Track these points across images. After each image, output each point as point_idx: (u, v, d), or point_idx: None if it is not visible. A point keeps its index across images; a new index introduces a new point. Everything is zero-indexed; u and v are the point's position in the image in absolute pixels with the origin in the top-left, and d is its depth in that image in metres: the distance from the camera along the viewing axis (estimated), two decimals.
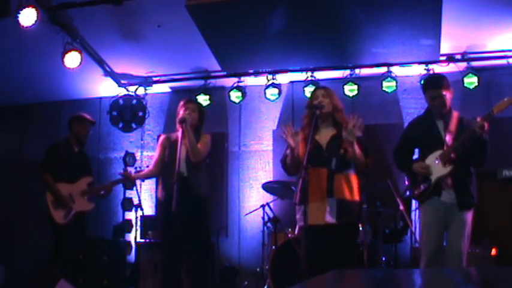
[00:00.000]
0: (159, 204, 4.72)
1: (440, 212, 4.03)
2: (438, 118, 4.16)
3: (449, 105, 4.15)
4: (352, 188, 3.94)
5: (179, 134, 4.53)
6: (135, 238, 6.69)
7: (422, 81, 4.30)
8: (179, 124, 4.57)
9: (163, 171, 4.70)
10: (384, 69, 6.50)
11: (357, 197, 3.96)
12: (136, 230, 6.76)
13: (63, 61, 5.79)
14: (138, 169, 6.27)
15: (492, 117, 3.88)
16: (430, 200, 4.05)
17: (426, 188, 4.05)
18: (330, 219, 3.85)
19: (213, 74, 7.03)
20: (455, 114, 4.17)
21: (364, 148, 3.98)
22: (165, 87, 7.50)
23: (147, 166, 6.29)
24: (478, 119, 3.89)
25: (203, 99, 6.92)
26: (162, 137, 4.86)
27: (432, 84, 4.21)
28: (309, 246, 3.93)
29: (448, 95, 4.12)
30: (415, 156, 4.34)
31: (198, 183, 4.59)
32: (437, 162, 4.02)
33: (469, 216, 4.01)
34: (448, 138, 4.07)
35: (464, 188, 4.02)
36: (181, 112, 4.68)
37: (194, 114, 4.71)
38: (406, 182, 4.33)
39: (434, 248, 4.02)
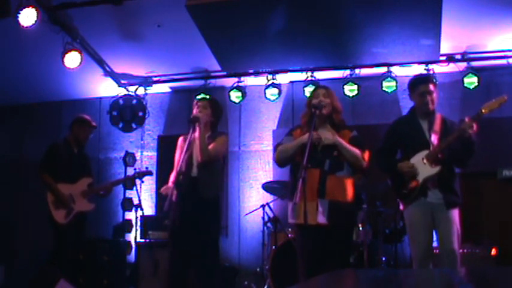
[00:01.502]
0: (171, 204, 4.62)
1: (427, 213, 4.02)
2: (422, 118, 4.17)
3: (435, 105, 4.16)
4: (345, 190, 3.94)
5: (195, 133, 4.48)
6: (135, 238, 6.69)
7: (409, 83, 4.29)
8: (191, 123, 4.52)
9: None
10: (384, 69, 6.50)
11: (350, 199, 3.96)
12: (136, 230, 6.76)
13: (63, 61, 5.79)
14: (138, 170, 6.25)
15: (481, 117, 3.88)
16: (417, 201, 4.03)
17: (413, 188, 4.02)
18: (321, 220, 3.85)
19: (213, 74, 7.03)
20: (438, 115, 4.18)
21: (359, 144, 4.00)
22: (165, 87, 7.50)
23: (147, 167, 6.28)
24: (467, 120, 3.89)
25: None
26: (180, 139, 4.75)
27: (421, 80, 4.27)
28: (302, 245, 3.97)
29: (435, 93, 4.14)
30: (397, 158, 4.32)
31: (206, 184, 4.47)
32: (424, 162, 4.00)
33: (456, 214, 4.00)
34: (433, 138, 4.07)
35: (449, 187, 4.02)
36: (194, 111, 4.63)
37: (206, 111, 4.60)
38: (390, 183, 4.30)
39: (424, 250, 4.02)
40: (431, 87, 4.13)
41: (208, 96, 6.60)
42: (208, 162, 4.48)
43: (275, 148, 4.23)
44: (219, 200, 4.66)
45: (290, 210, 4.02)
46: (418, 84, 4.19)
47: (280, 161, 4.17)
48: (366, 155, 4.02)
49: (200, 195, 4.43)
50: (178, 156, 4.61)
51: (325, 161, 3.93)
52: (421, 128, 4.14)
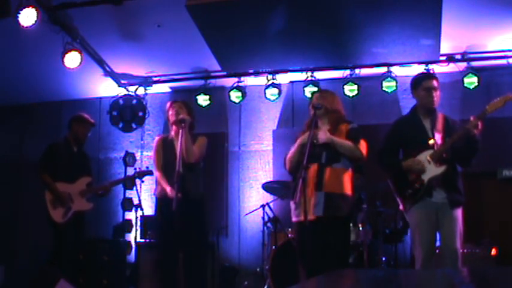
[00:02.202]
0: (158, 203, 4.69)
1: (431, 213, 4.00)
2: (425, 117, 4.15)
3: (438, 103, 4.16)
4: (342, 182, 3.98)
5: (176, 134, 4.51)
6: (135, 238, 6.68)
7: (413, 79, 4.28)
8: (177, 125, 4.57)
9: (164, 172, 4.69)
10: (384, 69, 6.50)
11: (347, 191, 3.99)
12: (136, 230, 6.76)
13: (63, 61, 5.78)
14: (138, 169, 6.25)
15: (486, 116, 3.87)
16: (421, 202, 4.01)
17: (418, 188, 4.01)
18: (316, 212, 3.88)
19: (213, 74, 7.02)
20: (440, 115, 4.18)
21: (354, 136, 4.05)
22: (165, 87, 7.50)
23: (147, 167, 6.28)
24: (472, 119, 3.88)
25: (203, 99, 6.94)
26: (156, 139, 4.83)
27: (427, 75, 4.28)
28: (300, 242, 4.00)
29: (439, 89, 4.14)
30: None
31: (193, 183, 4.56)
32: (429, 162, 3.99)
33: (459, 213, 4.00)
34: (437, 138, 4.05)
35: (453, 186, 4.01)
36: (170, 113, 4.70)
37: (182, 110, 4.67)
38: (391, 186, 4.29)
39: (428, 250, 4.00)
40: (436, 83, 4.13)
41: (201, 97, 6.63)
42: (193, 163, 4.56)
43: (285, 160, 4.26)
44: (206, 199, 4.75)
45: (293, 209, 4.06)
46: (423, 80, 4.17)
47: (291, 170, 4.20)
48: (362, 145, 4.06)
49: (187, 196, 4.45)
50: (157, 157, 4.66)
51: (322, 154, 3.98)
52: (424, 127, 4.12)
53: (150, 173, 6.05)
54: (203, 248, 4.64)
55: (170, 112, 4.71)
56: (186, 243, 4.49)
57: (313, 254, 3.87)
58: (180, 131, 4.45)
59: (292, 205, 4.07)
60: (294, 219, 4.07)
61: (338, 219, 3.94)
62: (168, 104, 4.79)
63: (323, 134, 4.01)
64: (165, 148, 4.72)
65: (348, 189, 4.00)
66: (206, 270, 4.65)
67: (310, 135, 3.90)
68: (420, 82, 4.17)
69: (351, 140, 4.03)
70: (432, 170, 3.98)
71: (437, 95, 4.12)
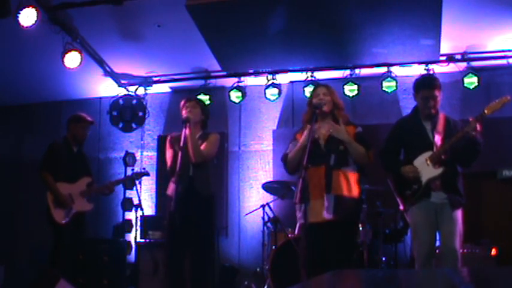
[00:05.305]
0: (167, 202, 4.63)
1: (431, 213, 4.01)
2: (426, 119, 4.15)
3: (438, 108, 4.15)
4: (350, 185, 3.95)
5: (184, 133, 4.49)
6: (135, 238, 6.69)
7: (415, 82, 4.26)
8: (183, 124, 4.53)
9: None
10: (384, 69, 6.50)
11: (355, 194, 3.97)
12: (136, 230, 6.76)
13: (63, 61, 5.79)
14: (135, 170, 6.25)
15: (484, 118, 3.87)
16: (420, 202, 4.02)
17: (416, 190, 4.02)
18: (327, 215, 3.87)
19: (213, 74, 7.03)
20: (441, 115, 4.17)
21: (364, 142, 4.03)
22: (165, 87, 7.50)
23: (144, 168, 6.28)
24: (470, 120, 3.89)
25: (203, 99, 6.93)
26: (168, 138, 4.76)
27: (425, 84, 4.20)
28: (309, 244, 3.96)
29: (439, 96, 4.13)
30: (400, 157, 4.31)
31: (201, 183, 4.53)
32: (427, 163, 3.99)
33: (459, 214, 4.01)
34: (437, 139, 4.05)
35: (453, 187, 4.02)
36: (183, 112, 4.64)
37: (196, 110, 4.63)
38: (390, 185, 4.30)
39: (427, 250, 4.02)
40: (435, 92, 4.10)
41: (202, 97, 6.64)
42: (202, 162, 4.51)
43: (283, 159, 4.22)
44: (215, 197, 4.73)
45: (298, 209, 4.05)
46: (423, 88, 4.14)
47: (291, 170, 4.18)
48: (371, 153, 4.04)
49: (197, 194, 4.45)
50: (170, 155, 4.63)
51: (330, 156, 3.95)
52: (424, 129, 4.12)
53: (147, 174, 6.05)
54: (206, 249, 4.60)
55: (183, 111, 4.65)
56: (192, 242, 4.47)
57: (321, 256, 3.86)
58: (184, 130, 4.43)
59: (298, 207, 4.04)
60: (301, 221, 4.04)
61: (349, 222, 3.95)
62: (182, 102, 4.72)
63: (339, 131, 3.97)
64: (176, 146, 4.65)
65: (356, 192, 3.98)
66: (211, 270, 4.63)
67: (309, 135, 3.88)
68: (419, 89, 4.16)
69: (361, 145, 4.01)
70: (430, 172, 3.98)
71: (436, 101, 4.10)
